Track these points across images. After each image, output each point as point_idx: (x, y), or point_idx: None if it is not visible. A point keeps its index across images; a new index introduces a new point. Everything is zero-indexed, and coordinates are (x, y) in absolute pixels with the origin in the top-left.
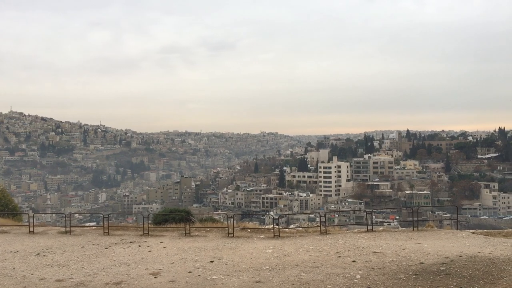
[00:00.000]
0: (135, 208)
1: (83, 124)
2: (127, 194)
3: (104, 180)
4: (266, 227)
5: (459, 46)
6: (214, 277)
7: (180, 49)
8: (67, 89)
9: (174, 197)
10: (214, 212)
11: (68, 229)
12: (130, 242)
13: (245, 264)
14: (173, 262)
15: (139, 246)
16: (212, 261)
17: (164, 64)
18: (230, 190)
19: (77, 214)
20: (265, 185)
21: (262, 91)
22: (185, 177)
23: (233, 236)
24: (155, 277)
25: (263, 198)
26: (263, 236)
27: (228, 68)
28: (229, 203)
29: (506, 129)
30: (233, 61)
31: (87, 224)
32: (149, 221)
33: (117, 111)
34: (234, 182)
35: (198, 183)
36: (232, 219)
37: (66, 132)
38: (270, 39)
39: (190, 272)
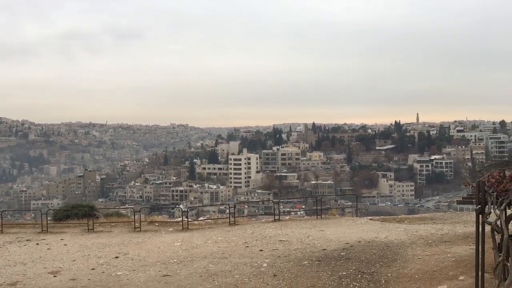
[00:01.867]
0: (33, 204)
1: None
2: (24, 189)
3: None
4: (175, 220)
5: (361, 44)
6: (119, 273)
7: (83, 35)
8: None
9: (77, 192)
10: (121, 207)
11: None
12: (27, 240)
13: (152, 258)
14: (75, 260)
15: (37, 244)
16: (117, 257)
17: (65, 51)
18: (138, 184)
19: None
20: (175, 178)
21: (172, 83)
22: (89, 171)
23: (140, 230)
24: (54, 276)
25: (172, 191)
26: (171, 229)
27: (135, 57)
28: (137, 197)
29: (401, 123)
30: (141, 51)
31: None
32: (49, 218)
33: (12, 100)
34: (142, 175)
35: (103, 176)
36: (139, 213)
37: None
38: (180, 30)
39: (93, 269)
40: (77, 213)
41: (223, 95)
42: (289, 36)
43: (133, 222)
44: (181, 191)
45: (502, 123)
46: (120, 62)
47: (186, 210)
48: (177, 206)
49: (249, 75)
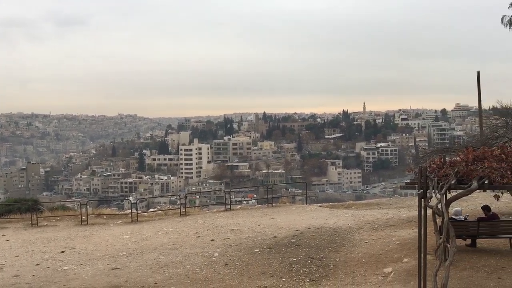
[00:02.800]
0: None
1: None
2: None
3: None
4: (124, 212)
5: (309, 34)
6: (65, 267)
7: (23, 23)
8: None
9: (19, 186)
10: (67, 200)
11: None
12: None
13: (100, 252)
14: (18, 256)
15: None
16: (63, 252)
17: (4, 39)
18: (85, 176)
19: None
20: (123, 170)
21: (119, 72)
22: (33, 163)
23: (87, 223)
24: None
25: (121, 183)
26: (120, 221)
27: (79, 46)
28: (84, 190)
29: (349, 112)
30: (85, 39)
31: None
32: None
33: None
34: (89, 167)
35: (48, 169)
36: (86, 206)
37: None
38: (126, 17)
39: (37, 264)
40: (20, 208)
41: (173, 84)
42: (240, 25)
43: (79, 216)
44: (130, 182)
45: (443, 111)
46: (64, 50)
47: (135, 202)
48: (126, 198)
49: (200, 65)
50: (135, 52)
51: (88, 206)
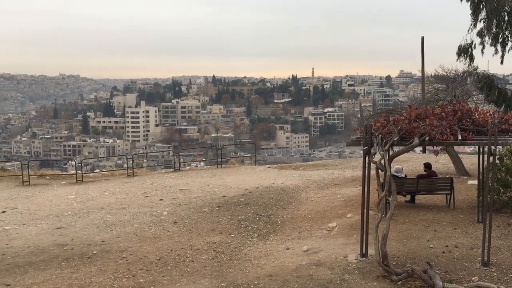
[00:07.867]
0: None
1: None
2: None
3: None
4: (68, 173)
5: None
6: (7, 227)
7: None
8: None
9: None
10: (6, 162)
11: None
12: None
13: (44, 212)
14: None
15: None
16: (4, 212)
17: None
18: (25, 138)
19: None
20: (66, 132)
21: (59, 29)
22: None
23: (29, 184)
24: None
25: (64, 145)
26: (64, 182)
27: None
28: (25, 153)
29: (298, 77)
30: None
31: None
32: None
33: None
34: (29, 129)
35: None
36: (27, 166)
37: None
38: None
39: None
40: None
41: (117, 44)
42: None
43: (21, 176)
44: (73, 145)
45: (388, 78)
46: None
47: (80, 163)
48: (70, 160)
49: (142, 24)
50: (75, 8)
51: (29, 167)
